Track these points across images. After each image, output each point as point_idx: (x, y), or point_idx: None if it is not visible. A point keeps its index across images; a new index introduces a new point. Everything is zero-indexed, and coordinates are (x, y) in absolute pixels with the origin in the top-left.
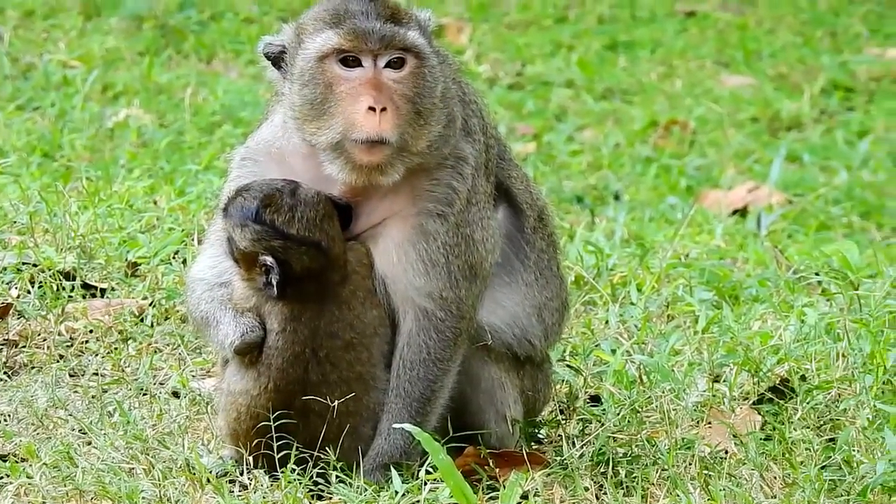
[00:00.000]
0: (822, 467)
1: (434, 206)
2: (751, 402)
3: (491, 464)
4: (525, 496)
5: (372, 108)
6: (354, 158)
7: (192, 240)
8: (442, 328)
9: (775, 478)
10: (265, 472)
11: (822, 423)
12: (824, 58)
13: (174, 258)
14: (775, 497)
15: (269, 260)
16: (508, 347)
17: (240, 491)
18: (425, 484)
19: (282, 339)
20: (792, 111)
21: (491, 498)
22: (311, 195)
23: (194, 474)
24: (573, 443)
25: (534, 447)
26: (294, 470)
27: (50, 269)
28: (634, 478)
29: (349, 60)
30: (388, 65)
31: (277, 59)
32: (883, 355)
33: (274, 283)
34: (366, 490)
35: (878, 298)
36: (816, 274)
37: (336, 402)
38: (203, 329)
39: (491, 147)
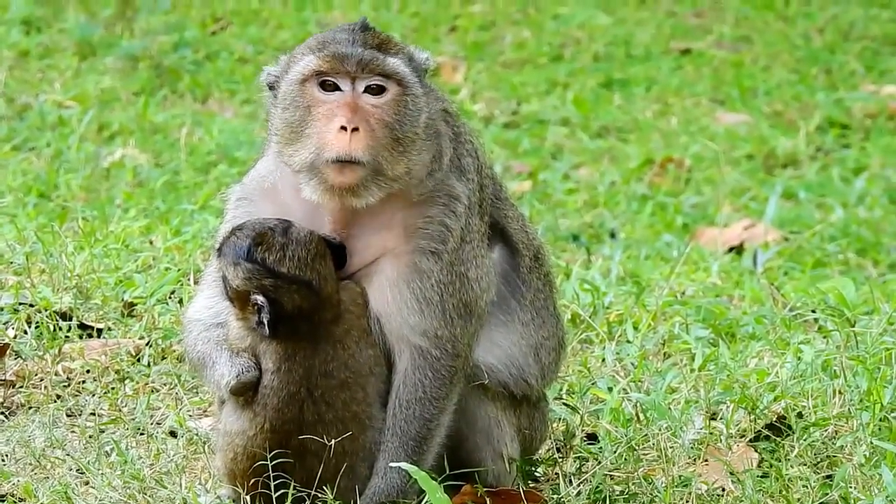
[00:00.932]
0: None
1: (427, 243)
2: (747, 439)
3: (488, 502)
4: None
5: (344, 128)
6: (327, 179)
7: (189, 280)
8: (437, 367)
9: None
10: None
11: (819, 460)
12: (820, 95)
13: (170, 298)
14: None
15: (259, 299)
16: (505, 387)
17: None
18: None
19: (277, 379)
20: (788, 148)
21: None
22: (304, 234)
23: None
24: (570, 481)
25: (531, 485)
26: None
27: (47, 310)
28: None
29: (328, 84)
30: (368, 90)
31: (273, 88)
32: (880, 392)
33: (265, 321)
34: None
35: (874, 335)
36: (813, 311)
37: (332, 442)
38: (199, 369)
39: (485, 186)
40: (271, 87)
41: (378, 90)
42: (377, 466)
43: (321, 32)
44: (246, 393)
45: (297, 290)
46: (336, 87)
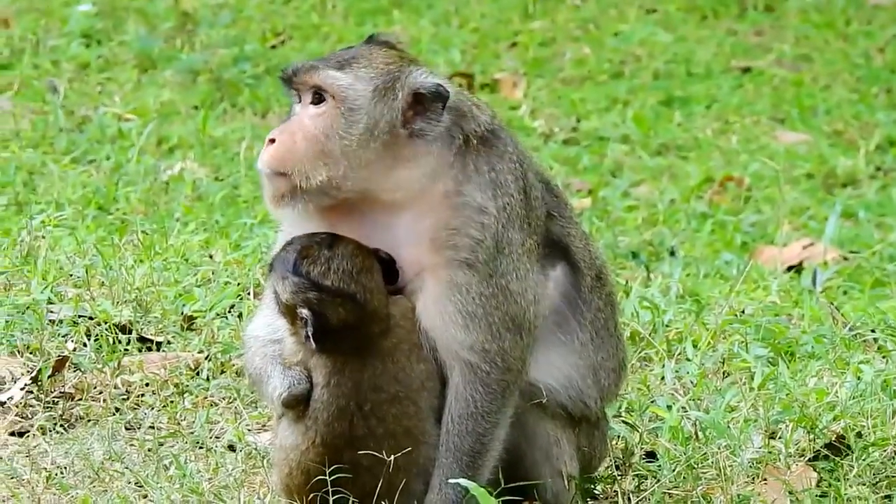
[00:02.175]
0: None
1: (456, 253)
2: (806, 458)
3: None
4: None
5: (271, 140)
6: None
7: (248, 294)
8: (488, 381)
9: None
10: None
11: (878, 480)
12: (880, 114)
13: (230, 312)
14: None
15: (305, 312)
16: (563, 408)
17: None
18: None
19: (326, 393)
20: (847, 168)
21: None
22: (350, 248)
23: None
24: (629, 499)
25: (589, 503)
26: None
27: (106, 323)
28: None
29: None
30: (313, 101)
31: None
32: None
33: (310, 335)
34: None
35: None
36: (872, 331)
37: (387, 457)
38: (257, 384)
39: (534, 200)
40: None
41: (318, 100)
42: (433, 482)
43: None
44: (297, 406)
45: (341, 304)
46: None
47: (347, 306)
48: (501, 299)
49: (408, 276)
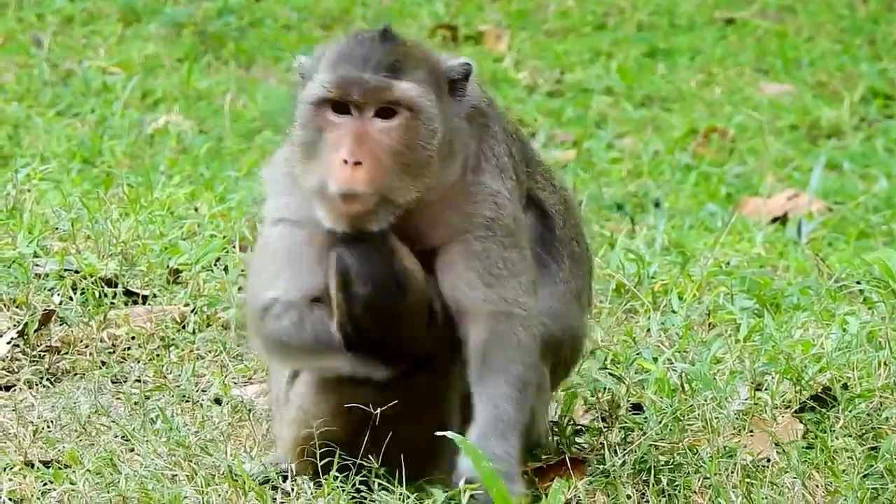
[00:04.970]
0: (865, 476)
1: (477, 232)
2: (793, 410)
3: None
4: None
5: (346, 161)
6: (336, 208)
7: (234, 247)
8: (525, 325)
9: (817, 486)
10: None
11: (864, 431)
12: (864, 65)
13: (216, 265)
14: None
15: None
16: (552, 339)
17: (282, 498)
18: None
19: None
20: (831, 119)
21: None
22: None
23: (237, 481)
24: (615, 451)
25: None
26: (337, 477)
27: (92, 276)
28: (676, 486)
29: (340, 106)
30: (379, 114)
31: (304, 79)
32: None
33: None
34: (408, 497)
35: None
36: (858, 282)
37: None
38: (312, 355)
39: (520, 174)
40: (303, 77)
41: (389, 113)
42: (479, 403)
43: (347, 35)
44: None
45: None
46: (347, 109)
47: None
48: (521, 266)
49: (425, 245)
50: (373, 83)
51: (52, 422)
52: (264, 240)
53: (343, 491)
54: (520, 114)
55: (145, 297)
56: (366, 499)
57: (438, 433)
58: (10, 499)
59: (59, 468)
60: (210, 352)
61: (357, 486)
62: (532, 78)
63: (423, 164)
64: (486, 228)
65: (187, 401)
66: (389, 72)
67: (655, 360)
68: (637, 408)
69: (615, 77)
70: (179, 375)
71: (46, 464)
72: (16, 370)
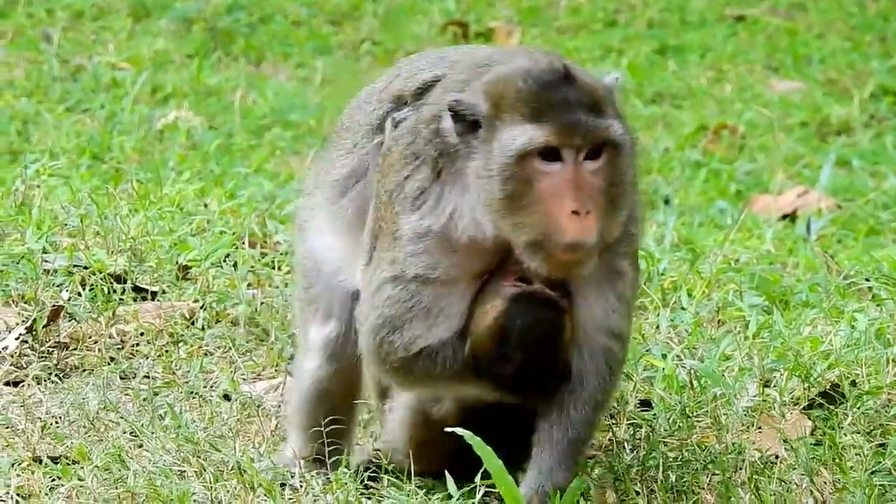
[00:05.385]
0: (873, 472)
1: (618, 247)
2: (801, 407)
3: None
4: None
5: (576, 212)
6: (555, 256)
7: (243, 243)
8: (618, 365)
9: (825, 483)
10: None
11: (872, 428)
12: (874, 62)
13: (225, 261)
14: (825, 502)
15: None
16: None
17: (291, 494)
18: (479, 488)
19: None
20: (841, 116)
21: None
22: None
23: (246, 477)
24: (624, 447)
25: None
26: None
27: (101, 272)
28: (685, 482)
29: (550, 153)
30: (588, 156)
31: (462, 118)
32: None
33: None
34: (417, 493)
35: None
36: (867, 279)
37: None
38: (457, 387)
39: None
40: (468, 122)
41: (595, 154)
42: (538, 462)
43: (524, 77)
44: None
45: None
46: (558, 156)
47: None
48: (633, 299)
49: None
50: (592, 125)
51: (60, 418)
52: (408, 291)
53: (352, 487)
54: None
55: (154, 294)
56: (373, 495)
57: (449, 429)
58: (18, 494)
59: (68, 464)
60: (219, 348)
61: (365, 481)
62: None
63: (625, 198)
64: (628, 245)
65: (196, 397)
66: (596, 113)
67: (664, 356)
68: (646, 404)
69: (626, 74)
70: (188, 372)
71: (55, 459)
72: (24, 366)
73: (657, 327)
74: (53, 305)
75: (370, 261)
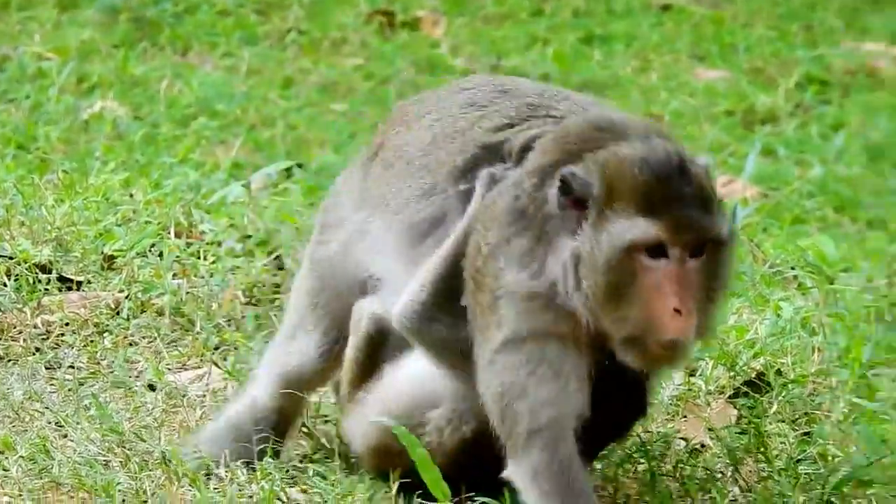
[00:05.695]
0: (797, 461)
1: None
2: (727, 395)
3: None
4: None
5: (678, 311)
6: (651, 352)
7: (168, 233)
8: None
9: (750, 471)
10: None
11: (797, 416)
12: (800, 52)
13: (150, 251)
14: (750, 490)
15: None
16: None
17: (216, 484)
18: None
19: None
20: (767, 105)
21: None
22: None
23: (170, 467)
24: None
25: None
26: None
27: (26, 262)
28: (610, 471)
29: (657, 251)
30: (692, 253)
31: (570, 191)
32: (858, 350)
33: None
34: (341, 483)
35: (853, 293)
36: (792, 268)
37: None
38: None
39: None
40: (574, 196)
41: (700, 252)
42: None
43: (641, 166)
44: None
45: None
46: (663, 252)
47: None
48: None
49: None
50: (704, 224)
51: None
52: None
53: (278, 477)
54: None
55: (79, 283)
56: (298, 483)
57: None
58: None
59: None
60: (144, 338)
61: (290, 470)
62: (468, 64)
63: (723, 292)
64: None
65: (121, 387)
66: (707, 209)
67: None
68: None
69: (551, 63)
70: (113, 362)
71: None
72: None
73: None
74: None
75: (479, 327)
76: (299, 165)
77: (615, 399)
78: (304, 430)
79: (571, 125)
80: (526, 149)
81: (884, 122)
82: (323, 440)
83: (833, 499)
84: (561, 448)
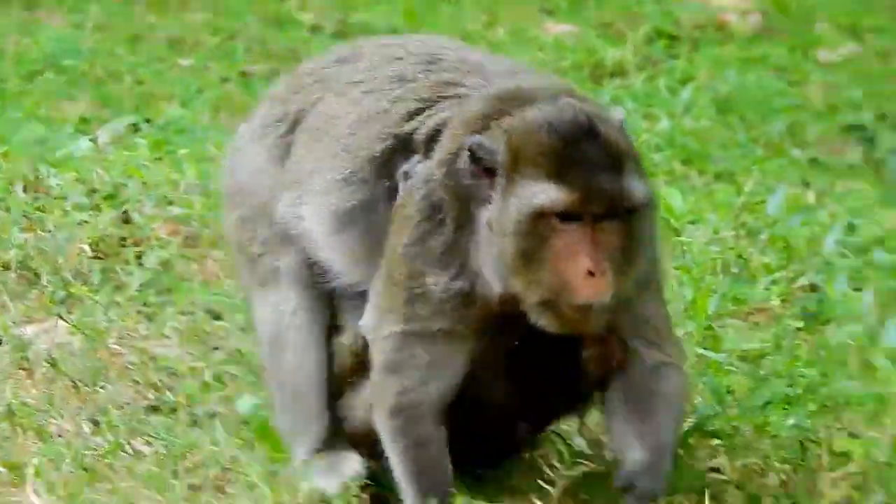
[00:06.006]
0: None
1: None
2: None
3: None
4: None
5: (591, 273)
6: (566, 316)
7: (15, 188)
8: None
9: (598, 424)
10: None
11: None
12: (648, 6)
13: None
14: (598, 445)
15: None
16: None
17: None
18: None
19: None
20: (615, 58)
21: None
22: None
23: (15, 419)
24: None
25: None
26: None
27: None
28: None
29: (569, 215)
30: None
31: (479, 160)
32: (704, 301)
33: None
34: (187, 436)
35: (700, 245)
36: None
37: None
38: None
39: None
40: (483, 165)
41: (614, 214)
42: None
43: (549, 130)
44: None
45: None
46: (576, 216)
47: None
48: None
49: None
50: (616, 191)
51: None
52: (416, 344)
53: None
54: (304, 56)
55: None
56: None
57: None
58: None
59: None
60: None
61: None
62: (316, 19)
63: (642, 255)
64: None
65: None
66: (619, 173)
67: None
68: None
69: (401, 18)
70: None
71: None
72: None
73: None
74: None
75: (382, 309)
76: (147, 120)
77: (555, 373)
78: (151, 382)
79: (474, 103)
80: (433, 138)
81: (732, 75)
82: (168, 393)
83: (679, 450)
84: (419, 428)
